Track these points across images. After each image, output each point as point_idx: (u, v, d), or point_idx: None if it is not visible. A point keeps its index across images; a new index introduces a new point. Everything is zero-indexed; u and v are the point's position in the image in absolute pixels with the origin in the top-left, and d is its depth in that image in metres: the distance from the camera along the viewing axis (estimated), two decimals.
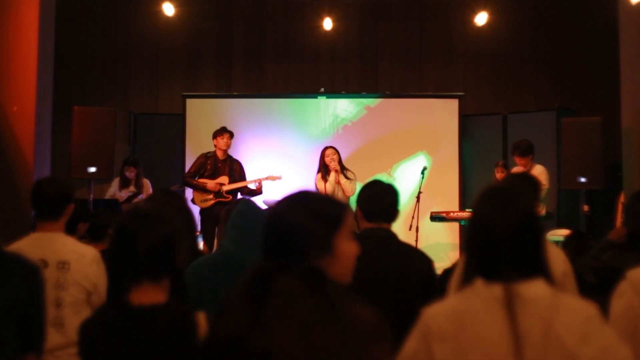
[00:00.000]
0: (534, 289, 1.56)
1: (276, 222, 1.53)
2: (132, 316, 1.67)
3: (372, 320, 1.45)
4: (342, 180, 6.47)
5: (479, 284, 1.58)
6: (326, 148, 6.68)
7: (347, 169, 6.63)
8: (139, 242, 1.70)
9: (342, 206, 1.58)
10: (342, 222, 1.55)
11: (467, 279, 1.61)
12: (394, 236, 2.93)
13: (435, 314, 1.59)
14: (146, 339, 1.64)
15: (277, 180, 6.96)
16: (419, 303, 2.87)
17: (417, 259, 2.90)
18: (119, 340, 1.65)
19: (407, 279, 2.80)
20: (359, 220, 2.88)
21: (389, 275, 2.74)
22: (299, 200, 1.55)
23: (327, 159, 6.55)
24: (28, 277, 1.98)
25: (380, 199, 2.87)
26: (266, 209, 3.09)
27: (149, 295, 1.71)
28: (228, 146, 6.91)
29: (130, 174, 7.13)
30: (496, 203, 1.61)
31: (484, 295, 1.56)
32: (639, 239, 2.53)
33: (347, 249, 1.55)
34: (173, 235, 1.75)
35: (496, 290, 1.55)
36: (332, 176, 6.47)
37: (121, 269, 1.74)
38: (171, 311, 1.70)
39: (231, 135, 6.94)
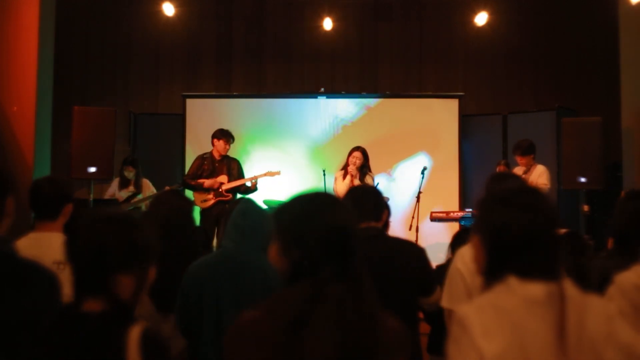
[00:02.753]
0: (569, 288, 1.56)
1: (322, 228, 1.49)
2: (66, 321, 1.65)
3: (401, 331, 1.48)
4: (355, 183, 6.42)
5: (513, 282, 1.56)
6: (354, 149, 6.52)
7: (369, 173, 6.52)
8: (74, 250, 1.68)
9: (354, 212, 1.60)
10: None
11: (493, 277, 1.60)
12: (384, 233, 2.96)
13: (474, 311, 1.57)
14: (68, 345, 1.60)
15: (277, 176, 6.94)
16: (416, 293, 2.90)
17: (410, 252, 2.94)
18: (48, 345, 1.62)
19: (404, 273, 2.82)
20: None
21: (386, 271, 2.75)
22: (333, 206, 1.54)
23: (349, 160, 6.49)
24: (44, 284, 1.95)
25: (364, 200, 2.93)
26: (281, 208, 3.08)
27: (97, 304, 1.65)
28: (226, 152, 6.88)
29: (128, 173, 7.12)
30: (528, 202, 1.62)
31: (522, 293, 1.55)
32: (628, 241, 2.52)
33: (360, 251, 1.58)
34: (104, 249, 1.65)
35: (536, 289, 1.54)
36: (347, 179, 6.44)
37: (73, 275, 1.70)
38: (102, 320, 1.62)
39: (232, 141, 6.90)
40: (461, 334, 1.54)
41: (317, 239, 1.47)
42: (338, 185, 6.48)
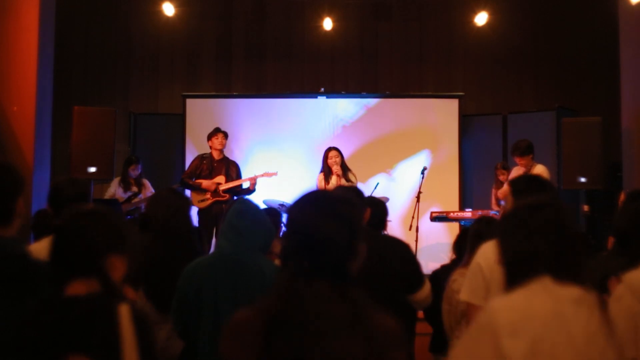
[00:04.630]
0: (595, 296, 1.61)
1: (310, 230, 1.49)
2: (53, 304, 1.72)
3: (393, 328, 1.47)
4: (343, 182, 6.45)
5: (548, 283, 1.59)
6: (330, 149, 6.63)
7: (349, 171, 6.59)
8: (67, 239, 1.77)
9: (361, 209, 1.60)
10: (362, 225, 1.58)
11: (525, 275, 1.62)
12: (367, 230, 2.95)
13: (503, 308, 1.57)
14: (61, 326, 1.67)
15: (274, 177, 6.93)
16: (402, 290, 2.89)
17: (393, 248, 2.93)
18: (37, 328, 1.68)
19: (387, 269, 2.81)
20: None
21: (372, 267, 2.74)
22: (328, 207, 1.53)
23: (330, 161, 6.52)
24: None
25: None
26: (277, 209, 3.08)
27: (80, 288, 1.74)
28: (223, 145, 6.90)
29: (134, 172, 7.14)
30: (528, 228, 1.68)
31: (558, 294, 1.57)
32: (628, 241, 2.52)
33: (363, 250, 1.56)
34: (97, 238, 1.77)
35: (573, 291, 1.57)
36: (333, 179, 6.46)
37: (58, 264, 1.79)
38: (92, 300, 1.71)
39: (225, 135, 6.93)
40: (485, 327, 1.54)
41: (258, 234, 1.52)
42: (322, 186, 6.48)
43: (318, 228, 1.48)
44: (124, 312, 1.68)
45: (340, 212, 1.51)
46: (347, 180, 6.50)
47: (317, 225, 1.48)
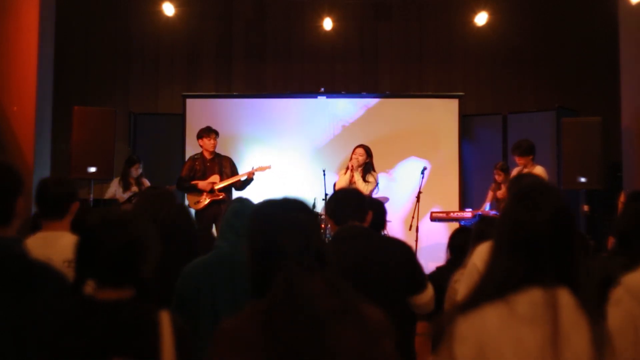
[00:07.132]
0: (565, 298, 1.50)
1: (296, 225, 1.55)
2: (94, 309, 1.71)
3: (381, 318, 1.51)
4: (356, 177, 6.34)
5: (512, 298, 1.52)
6: (358, 146, 6.45)
7: (372, 172, 6.44)
8: (102, 248, 1.73)
9: (316, 216, 1.67)
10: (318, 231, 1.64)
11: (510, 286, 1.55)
12: (367, 232, 2.94)
13: (462, 322, 1.54)
14: (107, 331, 1.67)
15: (267, 170, 6.86)
16: (402, 291, 2.87)
17: (394, 250, 2.90)
18: (80, 333, 1.67)
19: (387, 271, 2.80)
20: (331, 228, 3.01)
21: (373, 269, 2.74)
22: (304, 205, 1.62)
23: (352, 157, 6.45)
24: (55, 284, 1.96)
25: (345, 202, 2.96)
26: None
27: (113, 293, 1.74)
28: (214, 147, 6.80)
29: (136, 171, 7.12)
30: (530, 204, 1.56)
31: (517, 300, 1.51)
32: (629, 241, 2.52)
33: (326, 252, 1.60)
34: (136, 242, 1.76)
35: (532, 296, 1.50)
36: (347, 173, 6.39)
37: (86, 271, 1.77)
38: (134, 306, 1.72)
39: (217, 135, 6.85)
40: (447, 335, 1.55)
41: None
42: (338, 181, 6.47)
43: (274, 234, 1.55)
44: (165, 319, 1.71)
45: (295, 221, 1.57)
46: (364, 179, 6.34)
47: (273, 230, 1.57)
